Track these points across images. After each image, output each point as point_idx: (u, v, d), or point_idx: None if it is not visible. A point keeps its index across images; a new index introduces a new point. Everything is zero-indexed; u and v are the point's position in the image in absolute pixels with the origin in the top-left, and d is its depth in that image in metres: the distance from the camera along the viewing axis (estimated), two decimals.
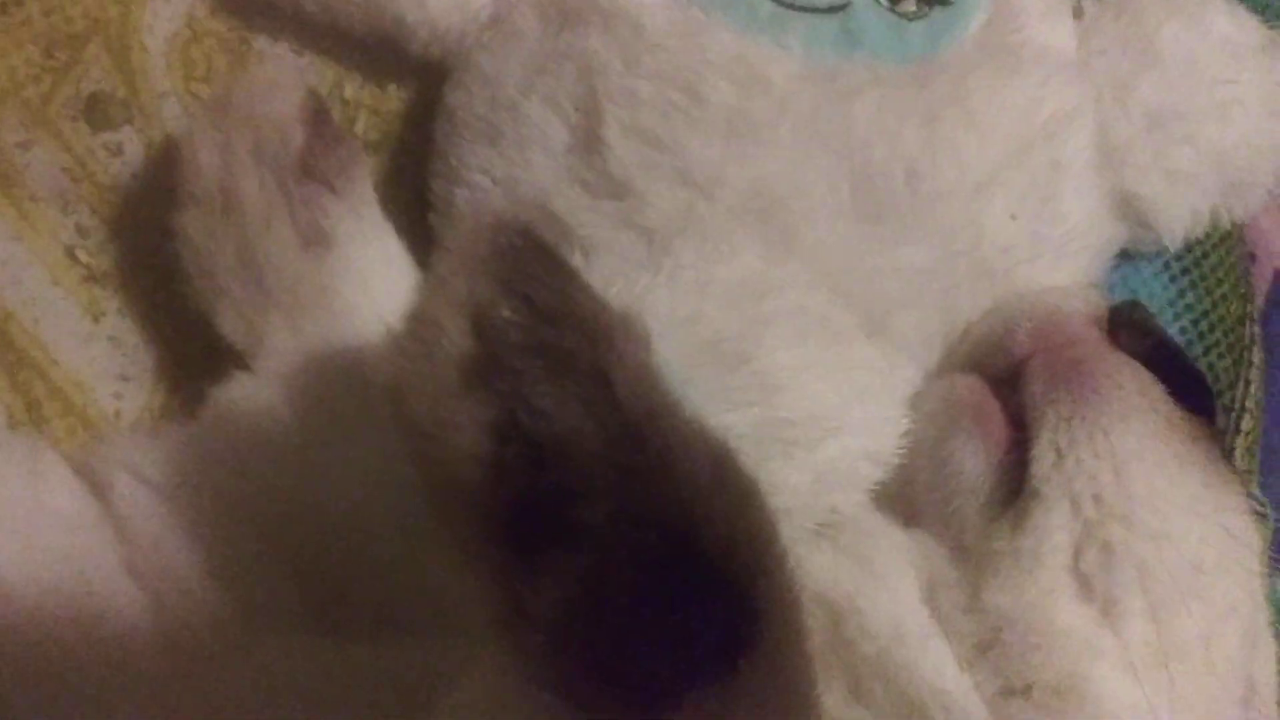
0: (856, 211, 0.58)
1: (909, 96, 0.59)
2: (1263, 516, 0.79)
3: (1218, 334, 0.77)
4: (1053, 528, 0.53)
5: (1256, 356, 0.79)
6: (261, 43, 0.70)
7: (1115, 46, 0.64)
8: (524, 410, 0.37)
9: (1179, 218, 0.65)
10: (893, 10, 0.62)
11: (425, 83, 0.71)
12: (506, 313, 0.38)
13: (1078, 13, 0.67)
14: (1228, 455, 0.78)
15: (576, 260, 0.57)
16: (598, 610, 0.37)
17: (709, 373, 0.51)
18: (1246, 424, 0.78)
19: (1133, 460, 0.54)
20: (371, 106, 0.72)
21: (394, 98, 0.73)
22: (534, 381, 0.38)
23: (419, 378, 0.39)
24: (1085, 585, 0.53)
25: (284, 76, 0.63)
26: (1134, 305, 0.61)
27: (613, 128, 0.60)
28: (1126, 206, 0.64)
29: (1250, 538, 0.57)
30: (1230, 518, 0.56)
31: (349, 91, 0.72)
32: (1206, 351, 0.77)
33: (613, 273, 0.56)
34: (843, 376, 0.55)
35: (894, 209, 0.59)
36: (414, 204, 0.69)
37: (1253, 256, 0.92)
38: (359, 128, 0.72)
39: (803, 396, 0.52)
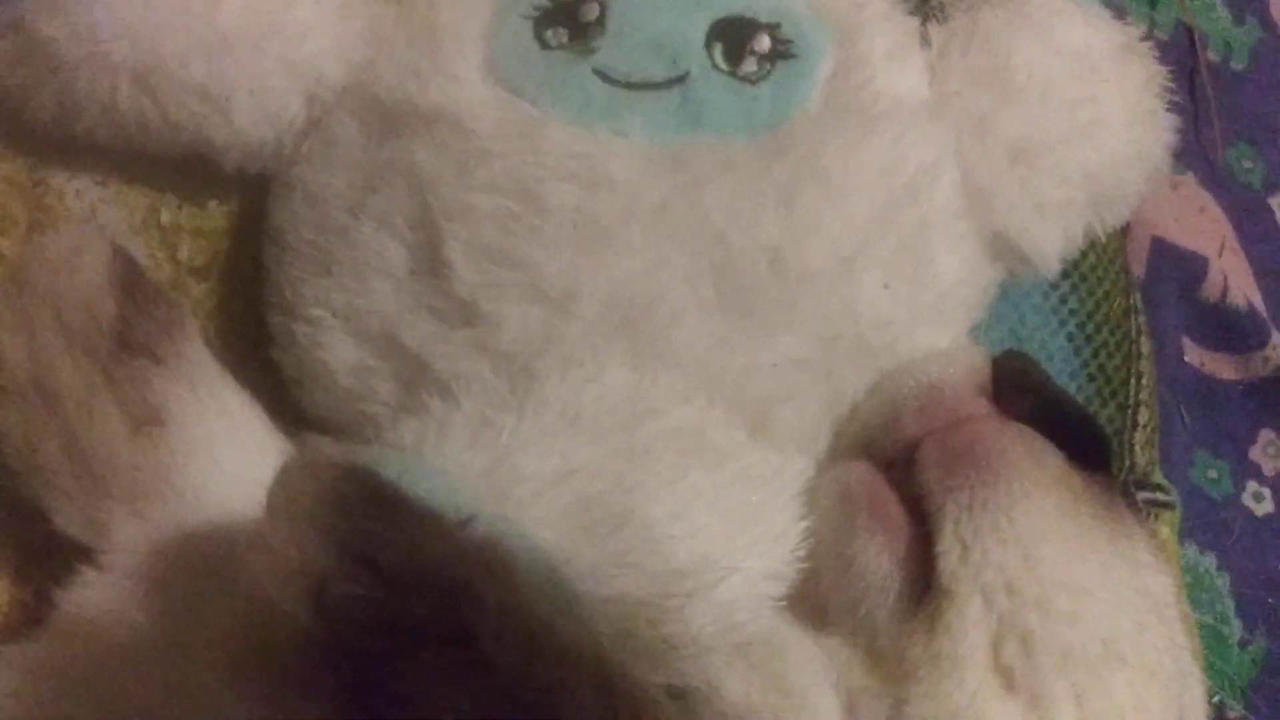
0: (723, 308, 0.55)
1: (761, 176, 0.56)
2: (1168, 506, 0.79)
3: (1104, 333, 0.76)
4: (968, 626, 0.51)
5: (1145, 346, 0.78)
6: (59, 180, 0.64)
7: (968, 84, 0.61)
8: (382, 698, 0.34)
9: (1053, 245, 0.63)
10: (734, 76, 0.58)
11: (250, 193, 0.66)
12: (348, 585, 0.34)
13: (925, 40, 0.64)
14: (1129, 451, 0.77)
15: (435, 407, 0.54)
16: None
17: (589, 539, 0.48)
18: (1143, 417, 0.77)
19: (1040, 541, 0.52)
20: (193, 229, 0.66)
21: (216, 215, 0.67)
22: (389, 665, 0.34)
23: (254, 666, 0.35)
24: (1008, 679, 0.51)
25: (84, 237, 0.57)
26: (1014, 356, 0.58)
27: (453, 247, 0.56)
28: (999, 246, 0.62)
29: (1164, 588, 0.56)
30: (1144, 575, 0.55)
31: (165, 216, 0.66)
32: (1096, 353, 0.76)
33: (474, 421, 0.52)
34: (731, 499, 0.52)
35: (761, 299, 0.55)
36: (252, 331, 0.64)
37: (1125, 228, 0.91)
38: (182, 254, 0.66)
39: (692, 541, 0.49)
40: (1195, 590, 0.92)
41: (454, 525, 0.38)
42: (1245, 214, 1.00)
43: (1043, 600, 0.51)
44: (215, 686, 0.43)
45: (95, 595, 0.54)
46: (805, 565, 0.55)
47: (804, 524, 0.54)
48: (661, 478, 0.50)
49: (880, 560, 0.54)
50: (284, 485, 0.37)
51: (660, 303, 0.54)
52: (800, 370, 0.56)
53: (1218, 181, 1.01)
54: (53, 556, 0.58)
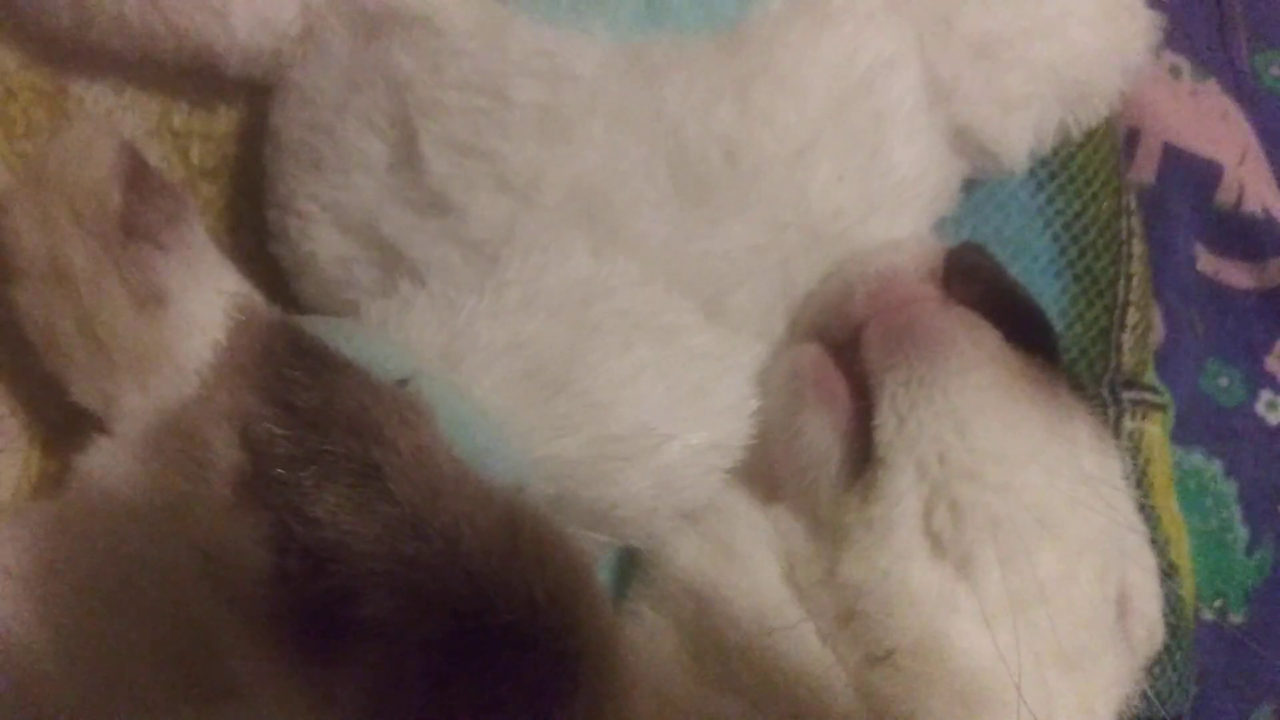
0: (679, 197, 0.58)
1: (718, 70, 0.58)
2: (1159, 407, 0.80)
3: (1092, 234, 0.77)
4: (901, 492, 0.54)
5: (1137, 248, 0.79)
6: (79, 87, 0.69)
7: None
8: (297, 521, 0.38)
9: (1020, 141, 0.64)
10: None
11: (256, 99, 0.70)
12: (270, 424, 0.39)
13: None
14: (1115, 351, 0.79)
15: (404, 289, 0.58)
16: (399, 694, 0.39)
17: (531, 404, 0.51)
18: (1132, 318, 0.78)
19: (974, 416, 0.54)
20: (203, 132, 0.71)
21: (225, 119, 0.71)
22: (304, 491, 0.38)
23: (192, 496, 0.40)
24: (937, 544, 0.54)
25: (95, 134, 0.61)
26: (969, 247, 0.60)
27: (427, 141, 0.59)
28: (963, 140, 0.63)
29: (1105, 469, 0.58)
30: (1082, 454, 0.57)
31: (177, 121, 0.70)
32: (1082, 254, 0.77)
33: (439, 301, 0.56)
34: (677, 375, 0.55)
35: (715, 188, 0.58)
36: (259, 229, 0.69)
37: (1135, 133, 0.91)
38: (193, 156, 0.70)
39: (631, 408, 0.53)
40: (1200, 495, 0.93)
41: (378, 380, 0.41)
42: (1271, 121, 0.99)
43: (974, 470, 0.54)
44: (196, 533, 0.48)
45: (107, 460, 0.59)
46: (757, 440, 0.58)
47: (754, 402, 0.57)
48: (607, 351, 0.53)
49: (824, 433, 0.56)
50: (226, 342, 0.41)
51: (619, 192, 0.57)
52: (753, 257, 0.58)
53: (1242, 88, 0.99)
54: (76, 431, 0.64)
